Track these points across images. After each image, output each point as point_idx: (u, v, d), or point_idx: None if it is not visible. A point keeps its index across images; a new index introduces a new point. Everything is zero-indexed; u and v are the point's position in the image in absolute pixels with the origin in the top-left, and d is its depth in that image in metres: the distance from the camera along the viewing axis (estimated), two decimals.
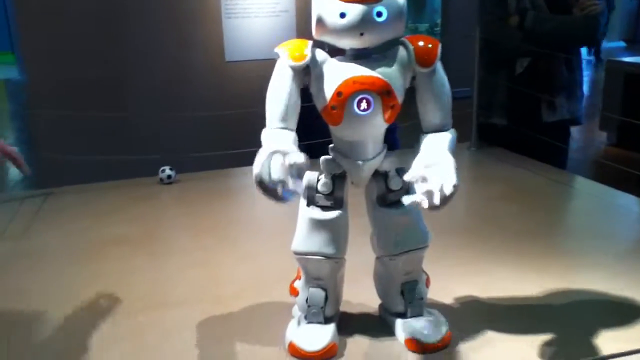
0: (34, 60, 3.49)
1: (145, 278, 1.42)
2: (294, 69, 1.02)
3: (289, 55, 1.02)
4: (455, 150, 1.02)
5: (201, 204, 1.95)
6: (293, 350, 1.06)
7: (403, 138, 2.51)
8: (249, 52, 3.83)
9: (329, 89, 1.01)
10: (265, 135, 1.01)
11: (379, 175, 1.09)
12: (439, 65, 1.04)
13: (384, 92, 0.99)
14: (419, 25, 9.27)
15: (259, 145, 2.49)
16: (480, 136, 2.46)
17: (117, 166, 2.53)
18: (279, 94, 1.02)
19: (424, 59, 1.02)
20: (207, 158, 2.97)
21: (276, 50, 1.04)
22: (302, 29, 3.90)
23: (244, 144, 2.45)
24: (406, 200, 0.99)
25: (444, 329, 1.09)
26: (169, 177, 2.14)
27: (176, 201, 2.05)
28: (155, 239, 1.67)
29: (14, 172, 4.89)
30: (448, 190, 0.91)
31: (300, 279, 1.13)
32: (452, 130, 1.06)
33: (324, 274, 1.09)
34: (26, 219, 1.82)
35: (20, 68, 3.70)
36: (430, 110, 1.05)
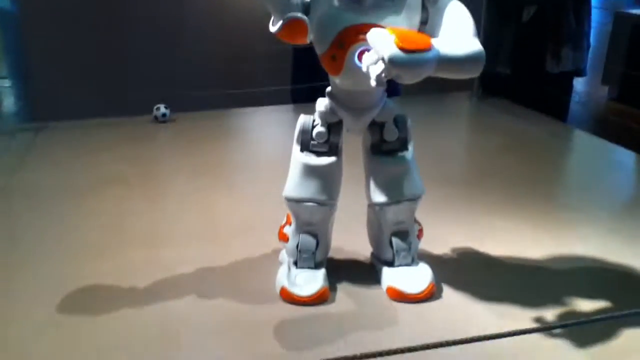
0: None
1: (141, 217, 1.41)
2: None
3: None
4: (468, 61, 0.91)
5: (197, 145, 1.93)
6: (285, 295, 1.06)
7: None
8: None
9: (329, 35, 0.94)
10: None
11: (375, 125, 1.06)
12: None
13: None
14: None
15: (257, 85, 2.41)
16: (482, 86, 2.42)
17: (112, 102, 2.49)
18: None
19: None
20: (205, 98, 2.92)
21: None
22: None
23: (242, 84, 2.41)
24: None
25: (427, 281, 1.07)
26: (164, 115, 2.11)
27: (172, 141, 2.02)
28: (151, 179, 1.65)
29: (7, 105, 4.82)
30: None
31: (289, 224, 1.12)
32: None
33: (316, 220, 1.08)
34: (18, 153, 1.80)
35: None
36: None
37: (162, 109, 2.11)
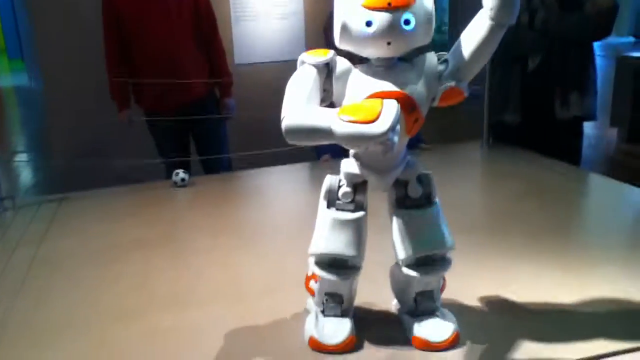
0: (49, 67, 3.53)
1: (166, 279, 1.43)
2: (316, 66, 1.00)
3: (311, 54, 1.01)
4: None
5: (216, 206, 1.96)
6: (314, 344, 1.07)
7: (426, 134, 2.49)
8: (258, 55, 3.85)
9: (352, 102, 0.99)
10: (302, 114, 0.93)
11: (400, 183, 1.08)
12: None
13: (408, 107, 0.97)
14: None
15: (266, 146, 2.43)
16: (492, 134, 2.46)
17: (130, 170, 2.55)
18: (301, 85, 0.98)
19: None
20: (218, 161, 2.98)
21: (299, 57, 1.02)
22: (312, 31, 3.91)
23: (253, 146, 2.47)
24: None
25: (451, 330, 1.08)
26: (183, 180, 2.14)
27: (191, 203, 2.06)
28: (174, 241, 1.68)
29: (25, 178, 4.93)
30: None
31: (316, 280, 1.13)
32: None
33: (340, 288, 1.10)
34: (43, 224, 1.84)
35: (30, 75, 3.75)
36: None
37: (181, 173, 2.15)
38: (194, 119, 2.90)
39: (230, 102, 3.11)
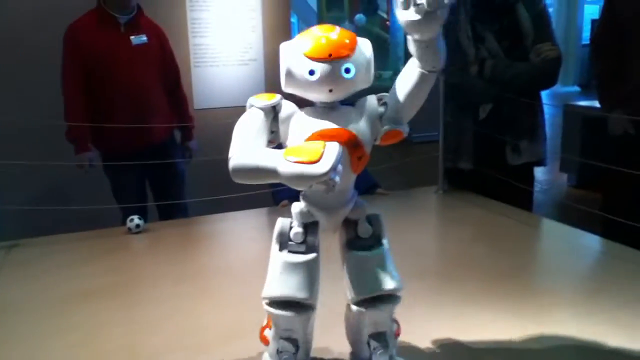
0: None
1: (121, 330, 1.39)
2: (263, 109, 1.05)
3: (258, 98, 1.06)
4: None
5: (172, 253, 1.93)
6: None
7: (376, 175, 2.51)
8: (217, 100, 3.86)
9: (297, 142, 1.02)
10: (249, 155, 0.98)
11: (349, 222, 1.09)
12: None
13: (351, 144, 1.01)
14: (382, 72, 9.46)
15: (226, 192, 2.41)
16: (447, 180, 2.51)
17: (84, 216, 2.49)
18: (248, 126, 1.03)
19: None
20: (174, 206, 2.94)
21: (248, 101, 1.06)
22: (271, 77, 3.96)
23: (210, 191, 2.45)
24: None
25: None
26: (138, 226, 2.10)
27: (147, 250, 2.02)
28: (128, 290, 1.64)
29: None
30: None
31: (270, 327, 1.12)
32: None
33: (296, 327, 1.08)
34: None
35: None
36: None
37: (136, 219, 2.11)
38: (153, 163, 2.88)
39: (193, 144, 3.24)
